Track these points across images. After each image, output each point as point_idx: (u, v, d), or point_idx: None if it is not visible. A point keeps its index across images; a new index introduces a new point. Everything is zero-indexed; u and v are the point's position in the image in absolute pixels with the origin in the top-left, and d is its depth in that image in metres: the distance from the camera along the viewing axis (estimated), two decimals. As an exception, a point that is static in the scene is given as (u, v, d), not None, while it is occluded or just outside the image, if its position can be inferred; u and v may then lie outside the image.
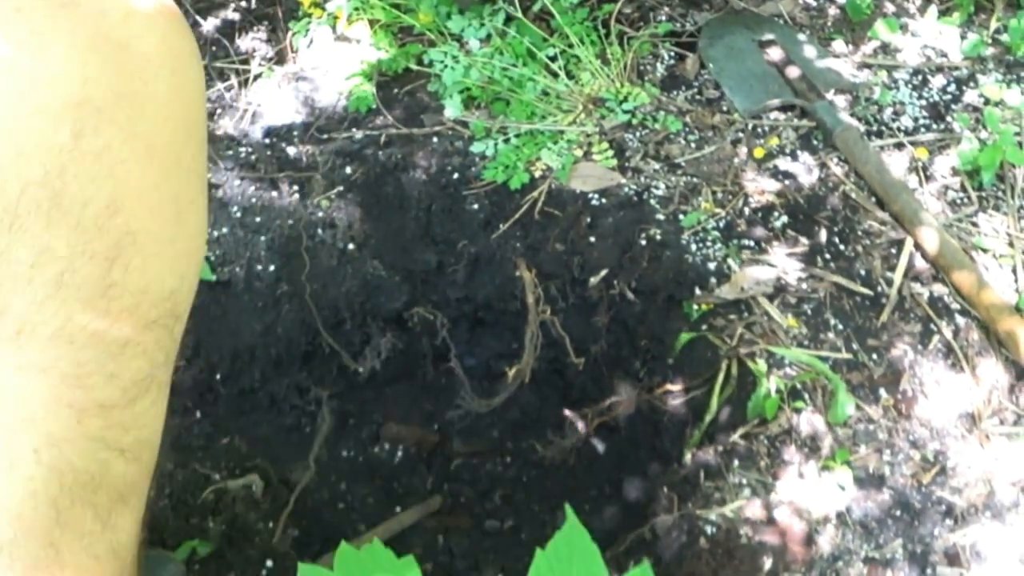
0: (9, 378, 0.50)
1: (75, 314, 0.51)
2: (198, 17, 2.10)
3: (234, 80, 1.99)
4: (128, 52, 0.51)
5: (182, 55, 0.55)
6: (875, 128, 1.82)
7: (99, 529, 0.56)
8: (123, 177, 0.51)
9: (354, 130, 1.85)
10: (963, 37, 1.99)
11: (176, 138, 0.54)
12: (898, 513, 1.36)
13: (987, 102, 1.84)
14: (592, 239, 1.68)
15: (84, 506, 0.54)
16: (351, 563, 0.54)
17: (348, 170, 1.79)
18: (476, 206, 1.74)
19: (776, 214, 1.68)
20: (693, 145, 1.79)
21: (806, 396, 1.46)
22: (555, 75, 1.85)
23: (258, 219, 1.76)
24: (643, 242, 1.65)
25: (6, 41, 0.47)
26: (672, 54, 1.98)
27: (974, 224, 1.66)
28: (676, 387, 1.56)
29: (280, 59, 2.03)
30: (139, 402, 0.56)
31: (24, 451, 0.51)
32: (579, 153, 1.76)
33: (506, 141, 1.78)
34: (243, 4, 2.15)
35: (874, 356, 1.50)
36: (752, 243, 1.64)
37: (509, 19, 1.91)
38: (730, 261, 1.61)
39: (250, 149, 1.85)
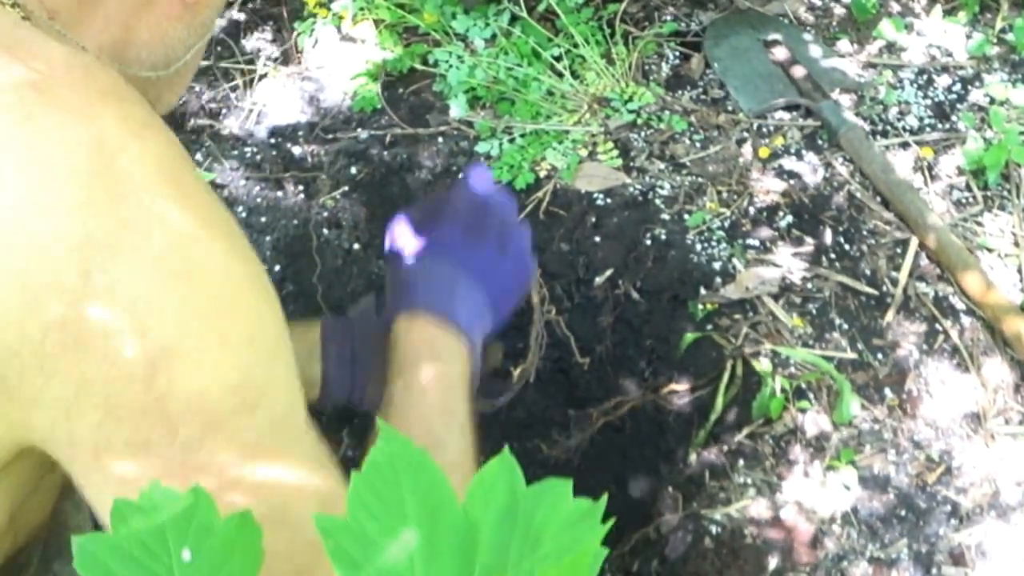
0: (107, 499, 0.53)
1: (137, 426, 0.53)
2: (203, 17, 2.11)
3: (239, 80, 1.99)
4: (127, 180, 0.53)
5: (177, 164, 0.56)
6: (880, 128, 1.81)
7: None
8: (140, 302, 0.52)
9: (359, 130, 1.86)
10: (968, 36, 1.98)
11: (193, 250, 0.55)
12: (903, 513, 1.36)
13: (992, 101, 1.84)
14: (597, 239, 1.69)
15: None
16: (130, 517, 0.45)
17: (353, 170, 1.80)
18: (481, 206, 1.74)
19: (781, 214, 1.68)
20: (698, 145, 1.79)
21: (811, 396, 1.46)
22: (560, 75, 1.85)
23: (263, 219, 1.76)
24: (648, 242, 1.65)
25: (6, 182, 0.49)
26: (677, 54, 1.98)
27: (979, 224, 1.66)
28: (681, 387, 1.56)
29: (285, 59, 2.04)
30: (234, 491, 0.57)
31: None
32: (584, 153, 1.77)
33: (511, 141, 1.78)
34: (248, 4, 2.15)
35: (879, 356, 1.50)
36: (757, 243, 1.64)
37: (514, 19, 1.91)
38: (735, 261, 1.61)
39: (255, 149, 1.85)
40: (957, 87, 1.89)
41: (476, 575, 0.45)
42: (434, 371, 0.82)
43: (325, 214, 1.76)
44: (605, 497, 0.46)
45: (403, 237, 0.89)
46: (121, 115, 0.55)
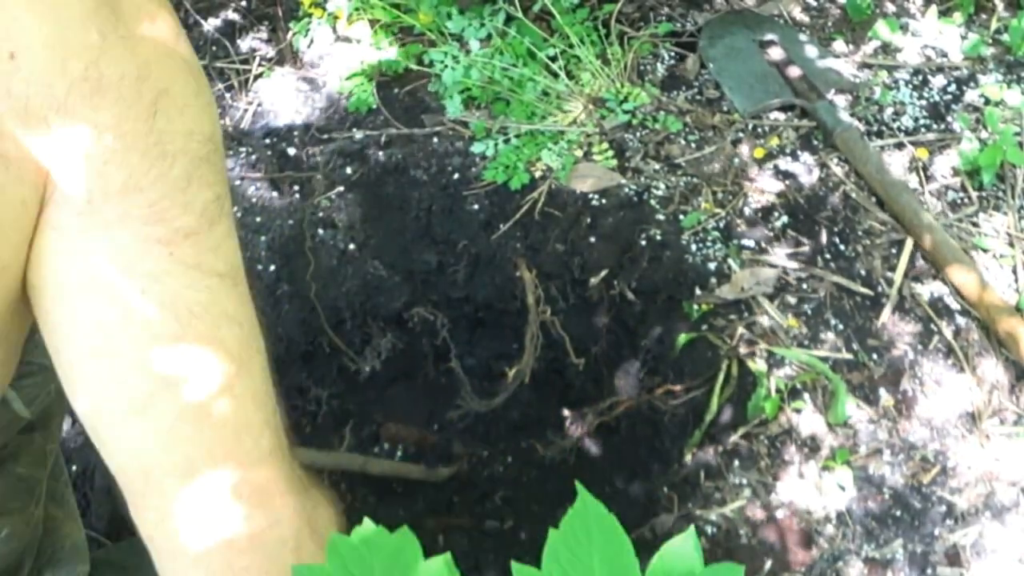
0: (93, 242, 0.60)
1: (136, 164, 0.60)
2: (198, 17, 2.11)
3: (234, 80, 1.99)
4: None
5: None
6: (875, 128, 1.81)
7: (234, 370, 0.64)
8: (143, 52, 0.62)
9: (354, 130, 1.85)
10: (963, 37, 1.98)
11: (171, 20, 0.65)
12: (898, 513, 1.36)
13: (987, 102, 1.84)
14: (592, 239, 1.68)
15: (209, 341, 0.63)
16: (345, 553, 0.51)
17: (348, 170, 1.79)
18: (476, 206, 1.74)
19: (776, 214, 1.68)
20: (693, 145, 1.79)
21: (806, 396, 1.46)
22: (555, 75, 1.85)
23: (258, 219, 1.76)
24: (643, 242, 1.65)
25: None
26: (672, 54, 1.98)
27: (974, 224, 1.66)
28: (676, 387, 1.56)
29: (280, 59, 2.03)
30: (217, 226, 0.65)
31: (132, 296, 0.60)
32: (579, 153, 1.76)
33: (506, 141, 1.78)
34: (243, 4, 2.15)
35: (874, 356, 1.50)
36: (752, 243, 1.64)
37: (509, 19, 1.91)
38: (730, 261, 1.61)
39: (250, 149, 1.85)
40: (952, 88, 1.89)
41: None
42: None
43: (320, 214, 1.76)
44: None
45: None
46: None
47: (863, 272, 1.59)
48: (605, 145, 1.76)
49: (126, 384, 0.61)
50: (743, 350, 1.50)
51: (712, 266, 1.61)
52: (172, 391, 0.61)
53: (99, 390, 0.62)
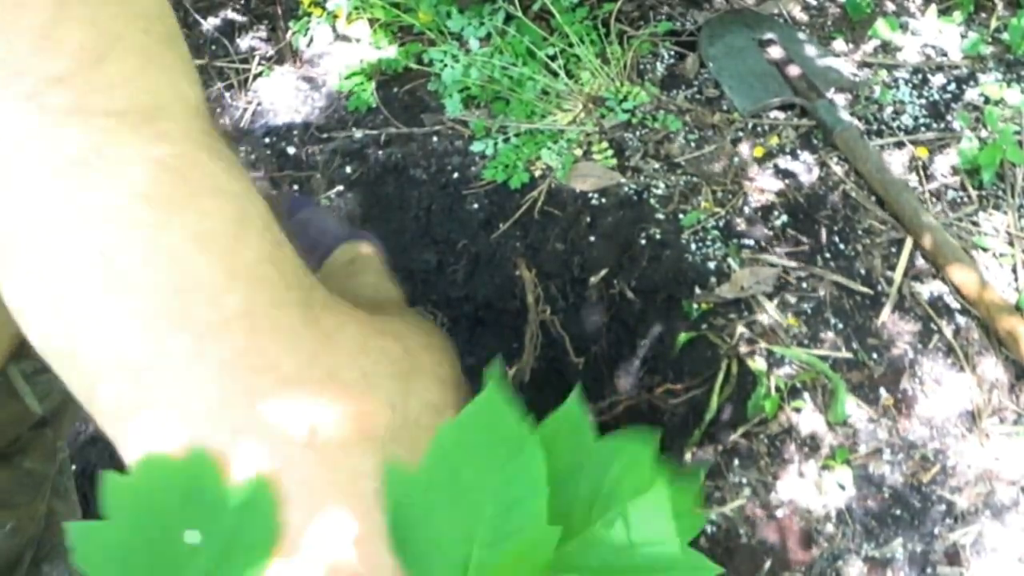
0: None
1: None
2: (198, 16, 2.10)
3: (234, 79, 1.98)
4: None
5: None
6: (875, 127, 1.81)
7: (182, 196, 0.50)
8: None
9: (354, 129, 1.85)
10: (963, 36, 1.98)
11: None
12: (898, 512, 1.36)
13: (987, 101, 1.84)
14: (592, 238, 1.68)
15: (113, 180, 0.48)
16: (128, 498, 0.36)
17: (348, 169, 1.79)
18: (476, 205, 1.74)
19: (776, 213, 1.68)
20: (693, 144, 1.79)
21: (806, 395, 1.46)
22: (555, 74, 1.85)
23: (258, 218, 1.76)
24: (643, 241, 1.65)
25: None
26: (672, 53, 1.98)
27: (974, 223, 1.66)
28: (676, 386, 1.56)
29: (280, 58, 2.03)
30: (108, 64, 0.47)
31: (5, 155, 0.48)
32: (579, 152, 1.76)
33: (506, 140, 1.78)
34: (243, 3, 2.15)
35: (874, 355, 1.50)
36: (752, 242, 1.64)
37: (509, 18, 1.91)
38: (730, 260, 1.61)
39: (250, 148, 1.85)
40: (952, 87, 1.89)
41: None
42: None
43: (320, 214, 1.76)
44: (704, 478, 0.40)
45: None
46: None
47: (863, 271, 1.59)
48: (605, 144, 1.76)
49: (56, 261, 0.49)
50: (743, 349, 1.50)
51: (712, 265, 1.60)
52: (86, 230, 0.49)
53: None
